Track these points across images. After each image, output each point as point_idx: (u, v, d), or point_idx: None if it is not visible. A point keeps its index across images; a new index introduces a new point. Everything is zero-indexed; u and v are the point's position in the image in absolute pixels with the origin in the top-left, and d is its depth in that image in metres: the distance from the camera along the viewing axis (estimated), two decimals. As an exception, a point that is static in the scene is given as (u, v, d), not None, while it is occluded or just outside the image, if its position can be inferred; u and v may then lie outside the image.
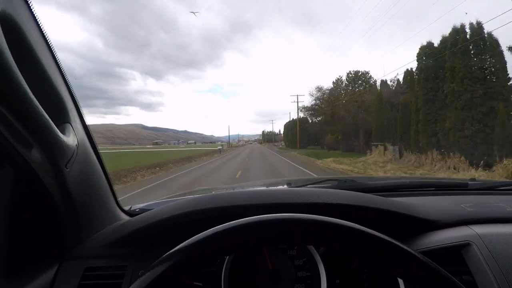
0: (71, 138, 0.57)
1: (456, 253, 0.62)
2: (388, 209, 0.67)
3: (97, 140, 0.73)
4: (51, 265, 0.63)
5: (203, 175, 11.58)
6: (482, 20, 10.21)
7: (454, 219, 0.71)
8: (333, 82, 37.05)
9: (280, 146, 64.41)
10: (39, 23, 0.52)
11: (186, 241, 0.36)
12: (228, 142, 65.30)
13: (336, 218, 0.38)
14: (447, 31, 11.15)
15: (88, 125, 0.70)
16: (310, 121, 44.93)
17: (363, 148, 21.70)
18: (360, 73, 34.68)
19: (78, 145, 0.60)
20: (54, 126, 0.49)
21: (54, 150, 0.51)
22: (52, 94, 0.55)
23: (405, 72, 24.81)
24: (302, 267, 0.71)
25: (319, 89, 38.26)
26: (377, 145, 16.51)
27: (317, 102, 37.98)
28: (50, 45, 0.55)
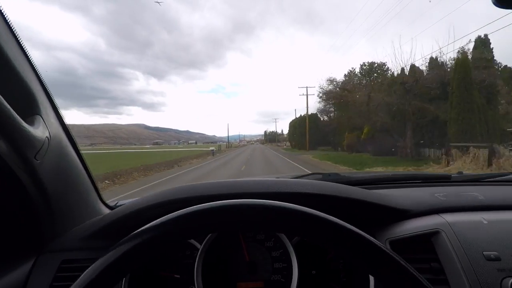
0: (40, 129, 0.57)
1: (427, 241, 0.63)
2: (361, 199, 0.68)
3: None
4: (28, 258, 0.63)
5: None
6: None
7: (426, 208, 0.71)
8: (345, 74, 33.27)
9: (285, 146, 57.63)
10: (4, 15, 0.51)
11: (150, 223, 0.37)
12: (228, 142, 58.61)
13: (307, 207, 0.38)
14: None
15: (65, 120, 0.69)
16: (321, 118, 38.48)
17: (411, 151, 14.86)
18: (376, 64, 31.06)
19: (50, 138, 0.60)
20: (18, 117, 0.49)
21: (20, 141, 0.51)
22: (19, 86, 0.55)
23: (477, 40, 17.88)
24: (279, 258, 0.72)
25: (331, 81, 32.48)
26: (468, 146, 9.56)
27: (329, 95, 32.47)
28: (19, 39, 0.54)
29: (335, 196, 0.67)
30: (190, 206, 0.38)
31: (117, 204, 0.89)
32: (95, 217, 0.76)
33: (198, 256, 0.67)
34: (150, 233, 0.36)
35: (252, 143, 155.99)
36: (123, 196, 7.21)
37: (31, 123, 0.55)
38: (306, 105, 34.40)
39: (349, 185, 0.76)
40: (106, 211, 0.82)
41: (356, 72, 32.49)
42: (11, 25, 0.52)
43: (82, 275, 0.33)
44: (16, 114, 0.48)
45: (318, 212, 0.36)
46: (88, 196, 0.78)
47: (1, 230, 0.59)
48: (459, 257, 0.57)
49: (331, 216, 0.36)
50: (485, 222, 0.64)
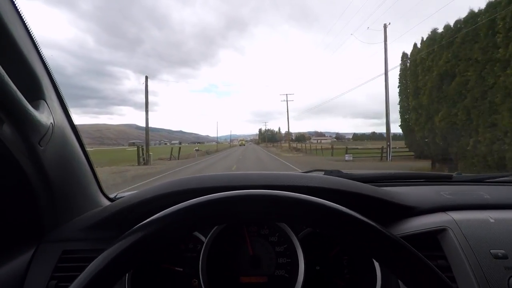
0: (45, 115, 0.56)
1: (433, 238, 0.63)
2: (368, 194, 0.68)
3: (83, 140, 0.74)
4: (28, 247, 0.63)
5: None
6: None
7: (432, 206, 0.71)
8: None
9: (343, 158, 16.87)
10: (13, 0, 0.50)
11: (153, 216, 0.36)
12: (177, 150, 18.14)
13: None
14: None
15: (68, 107, 0.69)
16: None
17: None
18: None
19: (54, 124, 0.59)
20: (25, 100, 0.48)
21: (25, 125, 0.49)
22: (25, 70, 0.54)
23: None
24: (283, 253, 0.72)
25: None
26: None
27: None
28: (25, 20, 0.53)
29: (344, 191, 0.67)
30: (192, 198, 0.36)
31: (116, 196, 0.89)
32: (95, 208, 0.75)
33: (203, 249, 0.67)
34: (157, 224, 0.35)
35: (242, 143, 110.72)
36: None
37: (36, 107, 0.53)
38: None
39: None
40: (106, 202, 0.82)
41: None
42: (17, 7, 0.51)
43: (89, 266, 0.32)
44: (23, 98, 0.47)
45: (338, 205, 0.36)
46: (89, 186, 0.77)
47: (1, 218, 0.58)
48: (467, 254, 0.56)
49: (350, 210, 0.36)
50: (492, 220, 0.63)
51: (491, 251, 0.56)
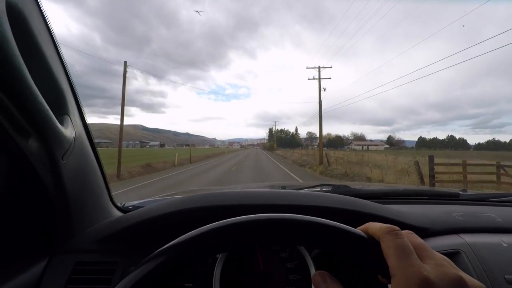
0: (69, 130, 0.57)
1: None
2: (380, 215, 0.68)
3: (98, 151, 0.75)
4: (41, 258, 0.62)
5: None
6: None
7: (444, 228, 0.72)
8: None
9: None
10: (43, 13, 0.51)
11: (178, 239, 0.36)
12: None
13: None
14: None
15: (87, 118, 0.71)
16: None
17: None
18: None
19: (75, 138, 0.60)
20: (53, 117, 0.49)
21: (52, 141, 0.51)
22: (53, 85, 0.55)
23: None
24: (293, 270, 0.70)
25: None
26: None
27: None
28: (54, 36, 0.55)
29: (355, 211, 0.68)
30: (209, 215, 0.35)
31: (124, 205, 0.89)
32: (106, 218, 0.76)
33: (217, 264, 0.65)
34: (182, 247, 0.35)
35: (244, 148, 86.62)
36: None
37: (61, 122, 0.54)
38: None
39: (360, 198, 0.77)
40: (117, 212, 0.82)
41: None
42: (49, 24, 0.52)
43: (118, 285, 0.33)
44: (53, 114, 0.48)
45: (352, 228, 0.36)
46: (102, 196, 0.77)
47: (16, 228, 0.58)
48: (480, 279, 0.55)
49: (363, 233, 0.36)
50: (505, 245, 0.63)
51: (505, 276, 0.55)
